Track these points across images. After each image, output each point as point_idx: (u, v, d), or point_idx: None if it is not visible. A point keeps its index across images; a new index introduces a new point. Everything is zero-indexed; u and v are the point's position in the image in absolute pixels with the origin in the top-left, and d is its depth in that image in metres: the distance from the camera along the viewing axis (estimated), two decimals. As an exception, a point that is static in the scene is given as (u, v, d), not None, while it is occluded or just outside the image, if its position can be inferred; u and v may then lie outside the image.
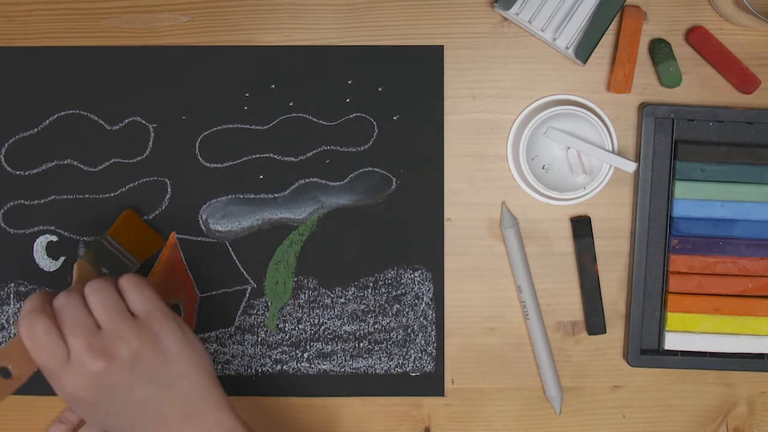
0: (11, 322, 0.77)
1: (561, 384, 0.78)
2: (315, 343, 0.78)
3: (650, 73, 0.76)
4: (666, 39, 0.75)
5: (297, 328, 0.77)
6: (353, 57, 0.76)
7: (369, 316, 0.77)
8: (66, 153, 0.76)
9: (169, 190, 0.77)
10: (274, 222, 0.77)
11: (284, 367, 0.78)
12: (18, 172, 0.76)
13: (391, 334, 0.77)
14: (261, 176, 0.77)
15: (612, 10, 0.72)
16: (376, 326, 0.77)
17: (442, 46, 0.76)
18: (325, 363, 0.78)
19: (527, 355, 0.78)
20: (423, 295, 0.77)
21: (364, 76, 0.76)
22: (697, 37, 0.74)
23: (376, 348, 0.78)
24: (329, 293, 0.77)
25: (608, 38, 0.76)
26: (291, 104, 0.76)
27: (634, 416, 0.78)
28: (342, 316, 0.77)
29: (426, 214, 0.77)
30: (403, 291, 0.77)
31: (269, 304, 0.77)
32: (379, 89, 0.76)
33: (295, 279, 0.77)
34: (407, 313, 0.77)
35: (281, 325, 0.77)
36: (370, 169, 0.77)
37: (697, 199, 0.74)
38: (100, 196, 0.76)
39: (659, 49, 0.74)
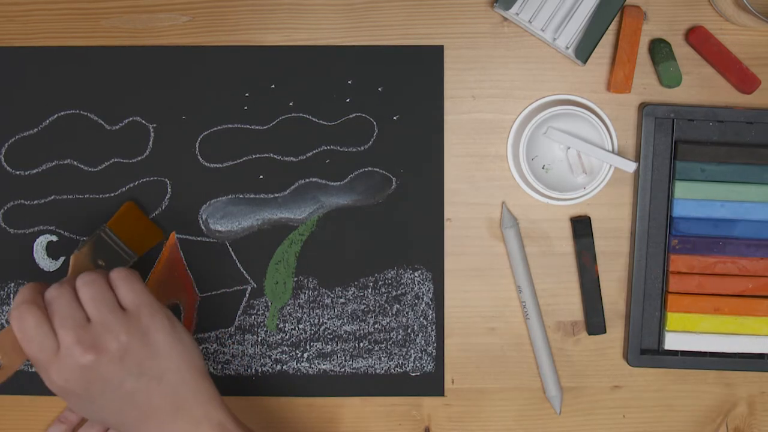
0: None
1: (561, 384, 0.78)
2: (315, 343, 0.78)
3: (650, 73, 0.76)
4: (666, 39, 0.75)
5: (297, 328, 0.77)
6: (353, 57, 0.76)
7: (369, 316, 0.77)
8: (66, 153, 0.76)
9: (169, 190, 0.77)
10: (274, 222, 0.77)
11: (284, 367, 0.78)
12: (18, 172, 0.76)
13: (391, 334, 0.77)
14: (261, 176, 0.77)
15: (612, 10, 0.72)
16: (376, 326, 0.77)
17: (442, 46, 0.76)
18: (325, 363, 0.78)
19: (527, 355, 0.78)
20: (423, 295, 0.77)
21: (364, 76, 0.76)
22: (697, 37, 0.74)
23: (376, 348, 0.78)
24: (329, 293, 0.77)
25: (608, 38, 0.76)
26: (291, 104, 0.76)
27: (634, 416, 0.78)
28: (342, 316, 0.77)
29: (426, 214, 0.77)
30: (403, 291, 0.77)
31: (269, 304, 0.77)
32: (379, 89, 0.76)
33: (295, 279, 0.77)
34: (407, 313, 0.77)
35: (281, 325, 0.77)
36: (370, 169, 0.77)
37: (697, 199, 0.74)
38: (100, 196, 0.76)
39: (659, 49, 0.74)
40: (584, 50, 0.73)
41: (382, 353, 0.78)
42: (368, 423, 0.78)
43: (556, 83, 0.76)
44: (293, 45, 0.76)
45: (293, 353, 0.78)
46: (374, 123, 0.76)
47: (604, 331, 0.77)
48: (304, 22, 0.76)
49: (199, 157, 0.76)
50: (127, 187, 0.76)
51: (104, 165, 0.76)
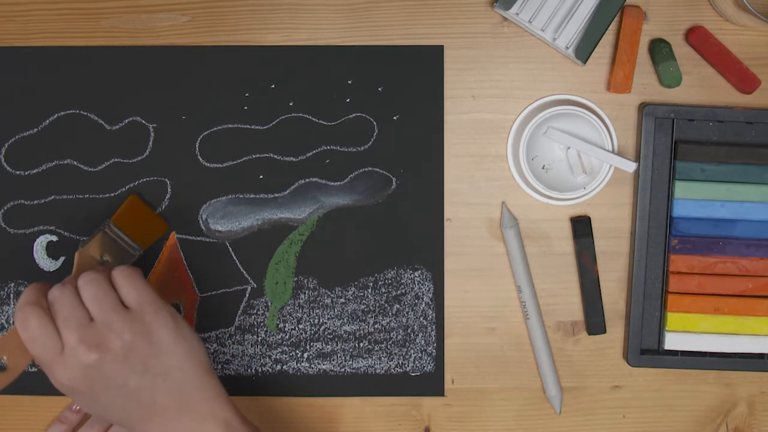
0: (11, 322, 0.77)
1: (561, 384, 0.78)
2: (315, 343, 0.78)
3: (650, 73, 0.76)
4: (666, 39, 0.75)
5: (297, 328, 0.77)
6: (353, 57, 0.76)
7: (369, 316, 0.77)
8: (66, 153, 0.76)
9: (169, 190, 0.77)
10: (274, 222, 0.77)
11: (284, 367, 0.78)
12: (18, 172, 0.76)
13: (391, 334, 0.77)
14: (261, 176, 0.77)
15: (612, 10, 0.72)
16: (376, 326, 0.77)
17: (442, 46, 0.76)
18: (325, 363, 0.78)
19: (527, 355, 0.78)
20: (423, 295, 0.77)
21: (364, 76, 0.76)
22: (697, 37, 0.74)
23: (376, 348, 0.78)
24: (329, 293, 0.77)
25: (608, 38, 0.76)
26: (291, 104, 0.76)
27: (634, 416, 0.78)
28: (342, 316, 0.77)
29: (426, 214, 0.77)
30: (403, 291, 0.77)
31: (269, 304, 0.77)
32: (379, 89, 0.76)
33: (295, 279, 0.77)
34: (407, 313, 0.77)
35: (281, 325, 0.77)
36: (370, 169, 0.77)
37: (697, 199, 0.74)
38: (100, 196, 0.76)
39: (659, 49, 0.74)
40: (584, 50, 0.73)
41: (382, 353, 0.78)
42: (368, 423, 0.78)
43: (556, 83, 0.76)
44: (293, 45, 0.76)
45: (293, 353, 0.78)
46: (374, 123, 0.76)
47: (604, 331, 0.77)
48: (304, 22, 0.76)
49: (199, 157, 0.76)
50: (127, 187, 0.76)
51: (104, 165, 0.76)
